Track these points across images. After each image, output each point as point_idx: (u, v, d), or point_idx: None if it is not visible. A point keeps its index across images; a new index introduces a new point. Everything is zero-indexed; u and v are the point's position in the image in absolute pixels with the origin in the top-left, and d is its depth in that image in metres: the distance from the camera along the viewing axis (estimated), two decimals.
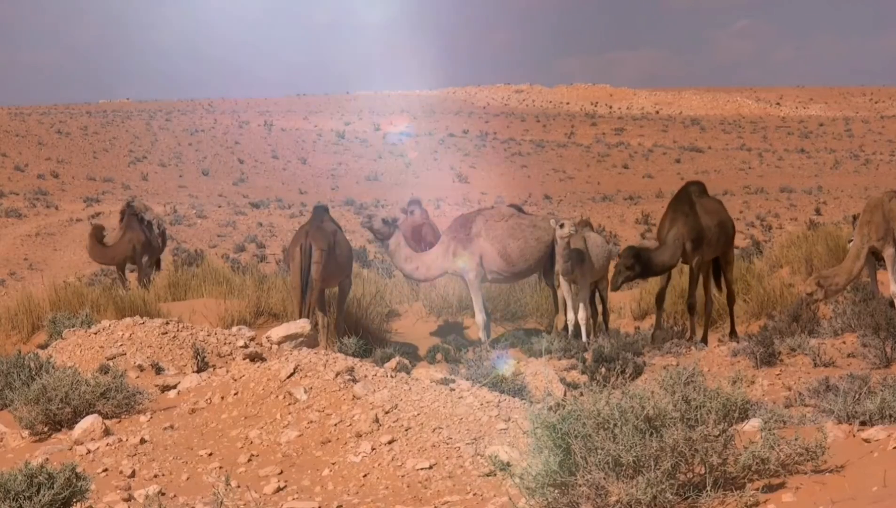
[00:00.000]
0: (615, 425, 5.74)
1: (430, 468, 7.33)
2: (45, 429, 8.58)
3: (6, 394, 9.23)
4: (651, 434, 5.72)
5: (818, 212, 60.14)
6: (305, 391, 8.21)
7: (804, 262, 17.18)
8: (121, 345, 10.67)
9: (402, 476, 7.30)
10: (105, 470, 7.71)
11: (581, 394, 7.88)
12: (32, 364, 9.37)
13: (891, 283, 13.58)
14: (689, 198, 14.47)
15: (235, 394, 8.50)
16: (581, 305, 14.11)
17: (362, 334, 14.34)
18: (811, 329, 12.86)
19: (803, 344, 11.65)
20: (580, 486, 5.71)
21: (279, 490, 7.30)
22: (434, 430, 7.68)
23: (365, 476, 7.37)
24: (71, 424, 8.49)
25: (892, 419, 7.00)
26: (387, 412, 7.88)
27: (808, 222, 35.60)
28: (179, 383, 9.31)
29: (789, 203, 67.50)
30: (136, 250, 19.92)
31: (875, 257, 14.08)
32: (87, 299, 16.09)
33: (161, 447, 8.07)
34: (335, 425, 7.88)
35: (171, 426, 8.36)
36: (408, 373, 8.99)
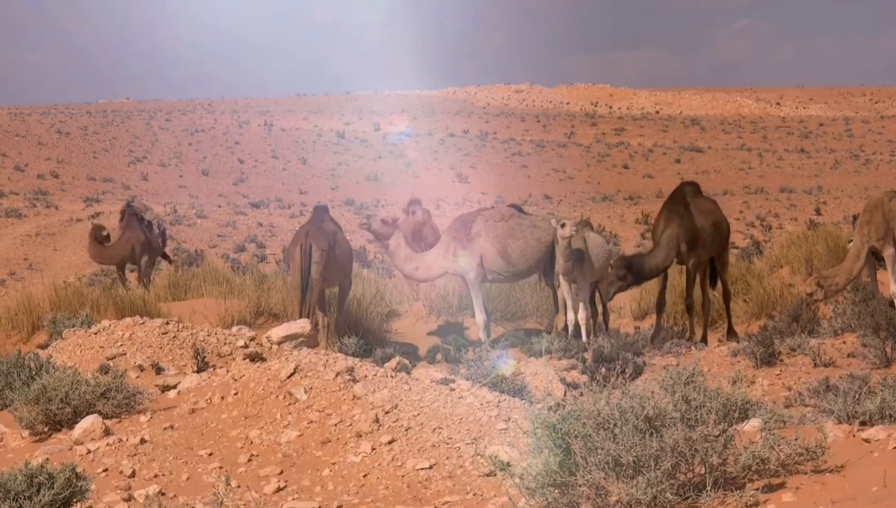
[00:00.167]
0: (615, 425, 5.74)
1: (430, 468, 7.33)
2: (46, 429, 8.58)
3: (6, 394, 9.23)
4: (651, 434, 5.72)
5: (818, 212, 60.17)
6: (305, 391, 8.21)
7: (804, 262, 17.17)
8: (121, 345, 10.68)
9: (402, 476, 7.30)
10: (105, 470, 7.72)
11: (581, 394, 7.87)
12: (32, 364, 9.38)
13: (891, 283, 13.58)
14: (683, 198, 14.45)
15: (235, 394, 8.50)
16: (581, 305, 14.10)
17: (362, 334, 14.33)
18: (811, 329, 12.85)
19: (803, 344, 11.65)
20: (580, 486, 5.71)
21: (279, 490, 7.31)
22: (434, 430, 7.68)
23: (365, 476, 7.37)
24: (71, 424, 8.49)
25: (892, 419, 6.99)
26: (387, 412, 7.88)
27: (808, 222, 35.59)
28: (179, 383, 9.31)
29: (789, 203, 67.52)
30: (136, 250, 19.91)
31: (875, 257, 14.07)
32: (87, 299, 16.08)
33: (161, 447, 8.07)
34: (335, 425, 7.88)
35: (172, 426, 8.36)
36: (408, 373, 8.98)
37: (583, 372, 11.34)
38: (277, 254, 41.25)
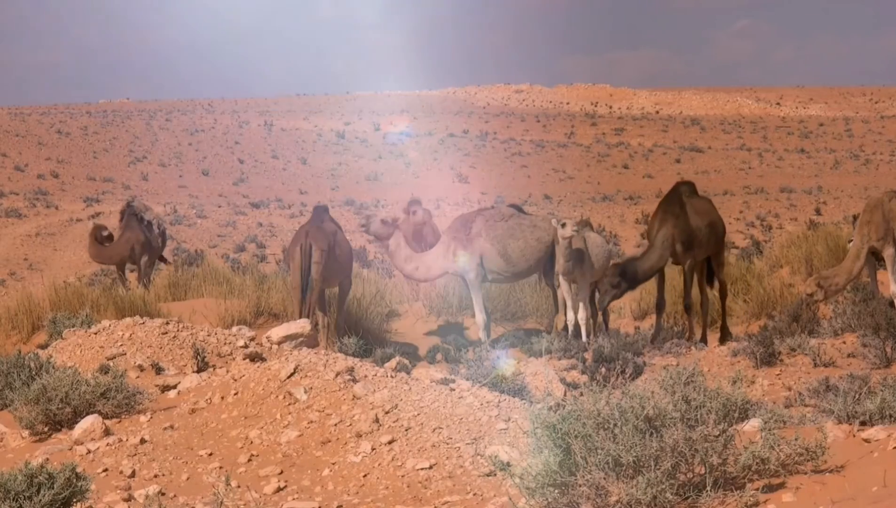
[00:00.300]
0: (615, 425, 5.74)
1: (430, 468, 7.33)
2: (46, 429, 8.58)
3: (6, 394, 9.23)
4: (651, 434, 5.72)
5: (818, 212, 60.14)
6: (305, 391, 8.21)
7: (804, 262, 17.18)
8: (121, 345, 10.67)
9: (402, 476, 7.30)
10: (105, 470, 7.72)
11: (581, 394, 7.87)
12: (32, 364, 9.38)
13: (891, 283, 13.58)
14: (679, 198, 14.45)
15: (235, 394, 8.50)
16: (581, 305, 14.10)
17: (362, 334, 14.33)
18: (811, 329, 12.85)
19: (803, 344, 11.64)
20: (580, 486, 5.71)
21: (279, 490, 7.31)
22: (434, 430, 7.68)
23: (365, 476, 7.37)
24: (71, 424, 8.49)
25: (892, 419, 6.99)
26: (387, 412, 7.88)
27: (808, 222, 35.57)
28: (179, 383, 9.31)
29: (789, 203, 67.50)
30: (136, 250, 19.91)
31: (875, 257, 14.07)
32: (87, 299, 16.09)
33: (161, 447, 8.07)
34: (335, 425, 7.88)
35: (172, 426, 8.36)
36: (408, 373, 8.98)
37: (583, 372, 11.34)
38: (277, 254, 41.24)
